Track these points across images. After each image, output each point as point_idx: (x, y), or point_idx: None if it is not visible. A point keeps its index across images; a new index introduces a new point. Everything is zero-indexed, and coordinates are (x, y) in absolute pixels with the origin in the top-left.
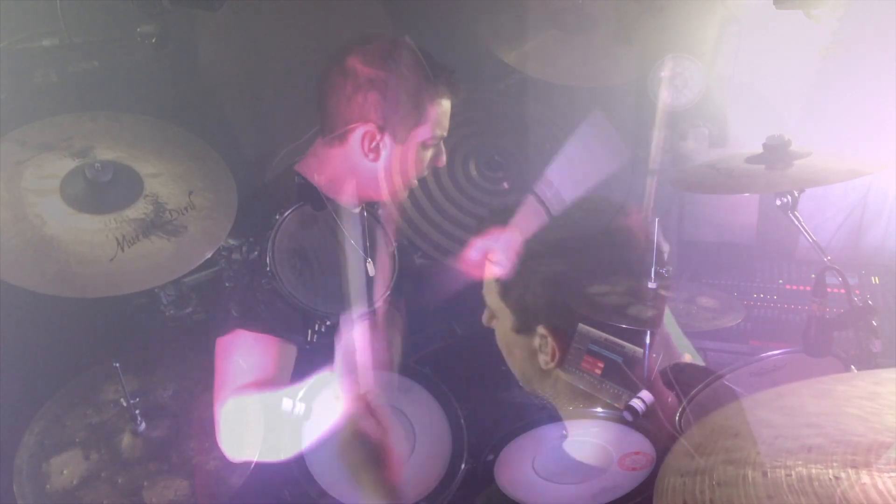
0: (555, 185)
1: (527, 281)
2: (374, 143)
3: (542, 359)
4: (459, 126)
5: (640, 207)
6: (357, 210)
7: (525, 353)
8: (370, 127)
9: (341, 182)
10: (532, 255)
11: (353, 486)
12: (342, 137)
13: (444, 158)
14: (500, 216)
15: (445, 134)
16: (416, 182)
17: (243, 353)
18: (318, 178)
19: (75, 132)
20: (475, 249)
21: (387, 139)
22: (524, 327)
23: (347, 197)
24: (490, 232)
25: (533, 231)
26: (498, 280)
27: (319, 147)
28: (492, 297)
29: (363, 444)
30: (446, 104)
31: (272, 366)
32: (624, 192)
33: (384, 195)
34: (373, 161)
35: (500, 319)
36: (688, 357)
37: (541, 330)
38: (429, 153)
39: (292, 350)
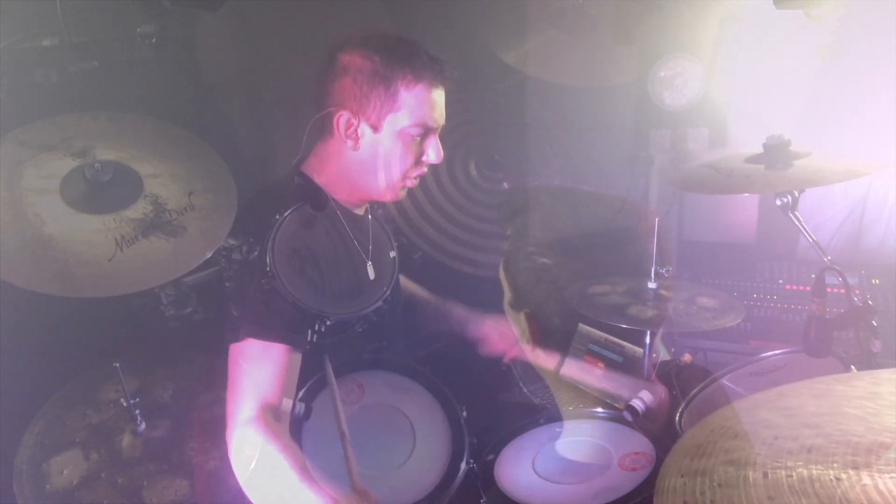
0: None
1: (520, 264)
2: (351, 129)
3: (526, 339)
4: (460, 126)
5: (642, 208)
6: (360, 212)
7: (517, 329)
8: (346, 112)
9: (340, 181)
10: (530, 243)
11: None
12: (329, 129)
13: (434, 155)
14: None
15: (434, 126)
16: (412, 181)
17: (254, 364)
18: (319, 179)
19: (75, 132)
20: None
21: (364, 126)
22: (516, 305)
23: (348, 197)
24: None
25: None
26: (503, 254)
27: (318, 145)
28: (500, 269)
29: None
30: (432, 94)
31: (281, 378)
32: (623, 192)
33: (379, 192)
34: (354, 149)
35: (504, 291)
36: (688, 357)
37: (522, 314)
38: (415, 146)
39: (298, 358)
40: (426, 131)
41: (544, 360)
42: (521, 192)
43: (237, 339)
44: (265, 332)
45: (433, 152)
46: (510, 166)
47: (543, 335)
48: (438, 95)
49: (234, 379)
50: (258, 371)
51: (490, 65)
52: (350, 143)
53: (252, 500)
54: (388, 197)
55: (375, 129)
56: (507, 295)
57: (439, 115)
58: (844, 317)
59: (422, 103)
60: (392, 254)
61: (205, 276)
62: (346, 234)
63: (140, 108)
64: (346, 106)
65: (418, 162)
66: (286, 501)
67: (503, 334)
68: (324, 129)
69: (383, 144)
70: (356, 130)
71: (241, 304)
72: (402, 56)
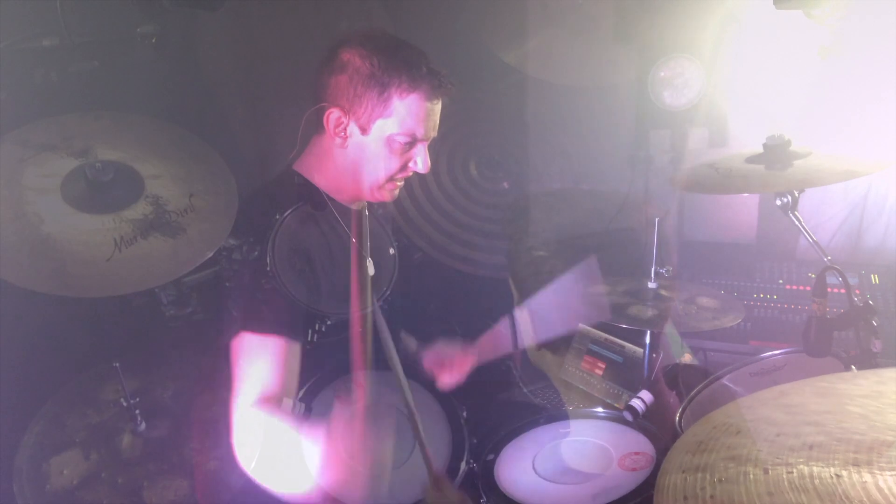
0: (532, 317)
1: (521, 260)
2: (340, 127)
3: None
4: (460, 126)
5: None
6: (357, 208)
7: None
8: (337, 110)
9: (333, 179)
10: (528, 238)
11: None
12: (320, 124)
13: (420, 164)
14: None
15: (423, 137)
16: (397, 182)
17: (253, 357)
18: (318, 178)
19: (76, 132)
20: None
21: (353, 126)
22: (521, 304)
23: (342, 194)
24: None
25: (494, 355)
26: (507, 255)
27: (313, 141)
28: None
29: None
30: (426, 105)
31: (281, 369)
32: (624, 191)
33: (366, 192)
34: (341, 147)
35: (513, 294)
36: (688, 357)
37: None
38: (402, 152)
39: (297, 348)
40: (414, 140)
41: (548, 359)
42: (524, 196)
43: (235, 335)
44: (262, 326)
45: (420, 162)
46: (510, 166)
47: None
48: (433, 107)
49: (235, 375)
50: (257, 364)
51: (490, 65)
52: (338, 140)
53: (265, 481)
54: (376, 197)
55: (364, 130)
56: (515, 296)
57: (431, 126)
58: (844, 317)
59: (413, 113)
60: (392, 251)
61: (205, 276)
62: (344, 234)
63: (140, 108)
64: (338, 103)
65: (404, 168)
66: (302, 472)
67: (453, 363)
68: (318, 124)
69: (370, 147)
70: (345, 129)
71: (242, 305)
72: (401, 63)
